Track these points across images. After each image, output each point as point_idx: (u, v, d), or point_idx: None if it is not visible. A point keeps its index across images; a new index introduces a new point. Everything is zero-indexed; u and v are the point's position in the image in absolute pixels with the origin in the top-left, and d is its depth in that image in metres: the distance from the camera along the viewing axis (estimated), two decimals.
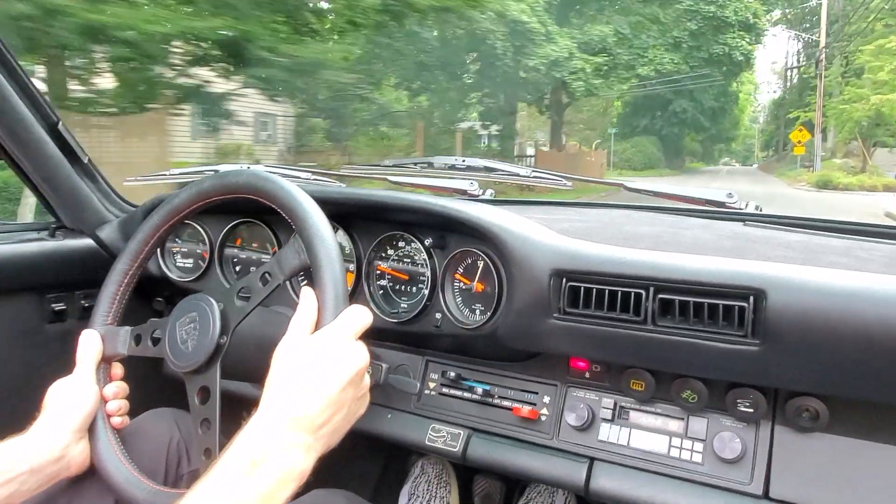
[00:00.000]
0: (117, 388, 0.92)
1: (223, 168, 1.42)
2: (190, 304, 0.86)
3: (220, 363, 0.83)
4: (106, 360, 0.92)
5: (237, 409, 1.16)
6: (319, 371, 0.70)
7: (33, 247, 1.34)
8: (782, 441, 0.89)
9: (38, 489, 0.82)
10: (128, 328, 0.93)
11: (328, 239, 0.78)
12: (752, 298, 0.82)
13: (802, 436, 0.88)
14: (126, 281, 0.96)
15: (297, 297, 1.19)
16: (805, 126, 23.90)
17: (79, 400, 0.86)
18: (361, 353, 0.74)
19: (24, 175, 1.33)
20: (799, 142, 23.20)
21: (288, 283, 1.26)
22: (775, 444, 0.90)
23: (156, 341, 0.89)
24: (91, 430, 0.88)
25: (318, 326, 0.75)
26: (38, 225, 1.44)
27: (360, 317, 0.76)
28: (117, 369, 0.94)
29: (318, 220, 0.79)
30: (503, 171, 1.33)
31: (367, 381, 0.77)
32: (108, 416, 0.90)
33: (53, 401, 0.86)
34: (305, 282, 1.23)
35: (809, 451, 0.88)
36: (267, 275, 0.83)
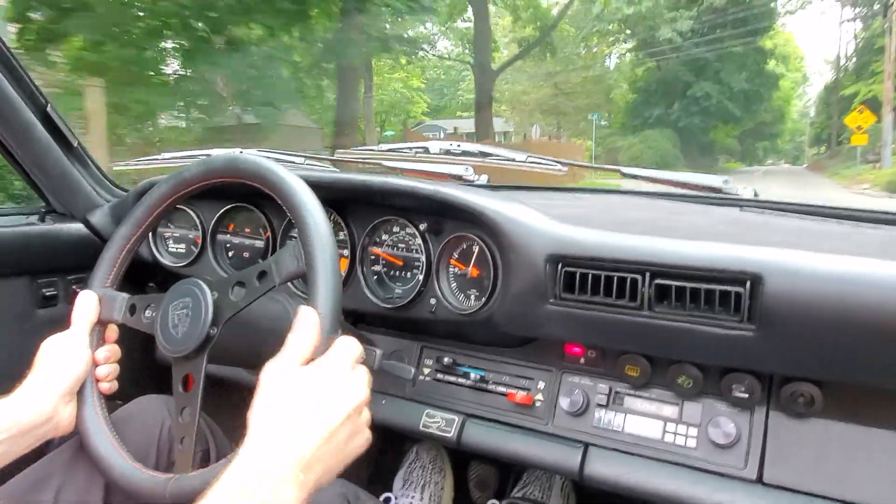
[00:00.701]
0: (108, 352, 0.91)
1: (214, 152, 1.41)
2: (184, 289, 0.84)
3: (208, 353, 0.82)
4: (101, 324, 0.92)
5: (228, 395, 1.16)
6: (315, 405, 0.66)
7: (23, 231, 1.32)
8: (776, 426, 0.90)
9: (26, 449, 0.82)
10: (125, 295, 0.92)
11: (329, 251, 0.76)
12: (748, 283, 0.81)
13: (797, 421, 0.89)
14: (128, 246, 0.95)
15: (293, 286, 1.19)
16: (867, 105, 16.77)
17: (70, 362, 0.86)
18: (361, 387, 0.71)
19: (14, 159, 1.31)
20: (858, 128, 16.18)
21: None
22: (769, 429, 0.90)
23: (149, 315, 0.88)
24: (79, 394, 0.88)
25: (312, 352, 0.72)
26: (28, 209, 1.42)
27: (355, 346, 0.74)
28: (111, 332, 0.93)
29: (322, 231, 0.77)
30: (499, 156, 1.32)
31: (365, 415, 0.74)
32: (97, 380, 0.89)
33: (45, 360, 0.86)
34: (300, 284, 1.21)
35: (803, 436, 0.88)
36: (263, 273, 0.81)
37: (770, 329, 0.81)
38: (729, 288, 0.82)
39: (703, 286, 0.84)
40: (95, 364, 0.89)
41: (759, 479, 0.88)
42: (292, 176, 0.82)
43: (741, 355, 0.85)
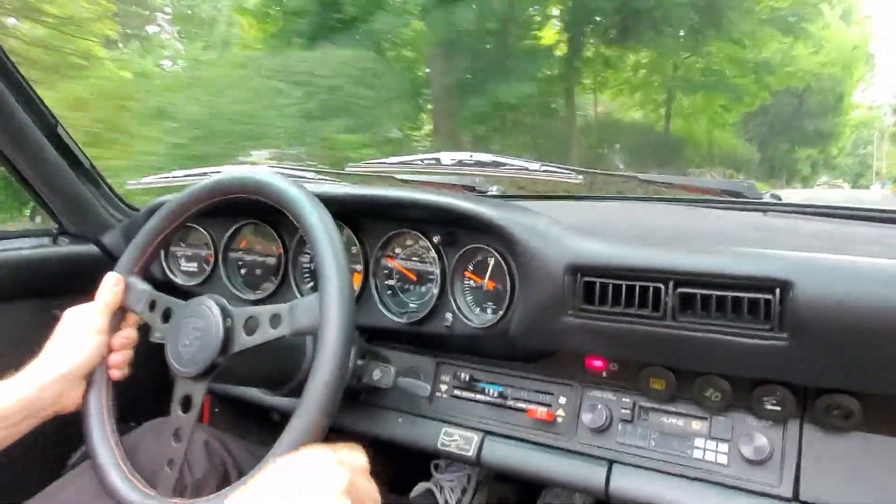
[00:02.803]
0: (125, 338, 0.91)
1: (226, 169, 1.39)
2: (200, 309, 0.83)
3: (210, 380, 0.82)
4: (121, 309, 0.92)
5: (241, 414, 1.14)
6: None
7: (35, 253, 1.32)
8: (812, 440, 0.85)
9: (31, 428, 0.84)
10: (149, 288, 0.92)
11: (347, 324, 0.74)
12: (778, 290, 0.78)
13: (833, 435, 0.84)
14: (159, 238, 0.95)
15: (300, 294, 1.16)
16: None
17: (85, 345, 0.87)
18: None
19: (25, 180, 1.31)
20: None
21: (293, 280, 1.23)
22: (804, 443, 0.86)
23: (165, 319, 0.88)
24: (89, 378, 0.88)
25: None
26: (40, 231, 1.42)
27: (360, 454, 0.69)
28: (129, 318, 0.93)
29: (345, 297, 0.75)
30: (512, 165, 1.29)
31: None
32: (109, 367, 0.90)
33: (61, 336, 0.87)
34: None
35: (841, 450, 0.83)
36: (277, 317, 0.79)
37: (803, 338, 0.77)
38: (758, 295, 0.79)
39: (730, 294, 0.81)
40: (110, 350, 0.90)
41: (795, 497, 0.84)
42: (328, 222, 0.80)
43: (772, 366, 0.81)
